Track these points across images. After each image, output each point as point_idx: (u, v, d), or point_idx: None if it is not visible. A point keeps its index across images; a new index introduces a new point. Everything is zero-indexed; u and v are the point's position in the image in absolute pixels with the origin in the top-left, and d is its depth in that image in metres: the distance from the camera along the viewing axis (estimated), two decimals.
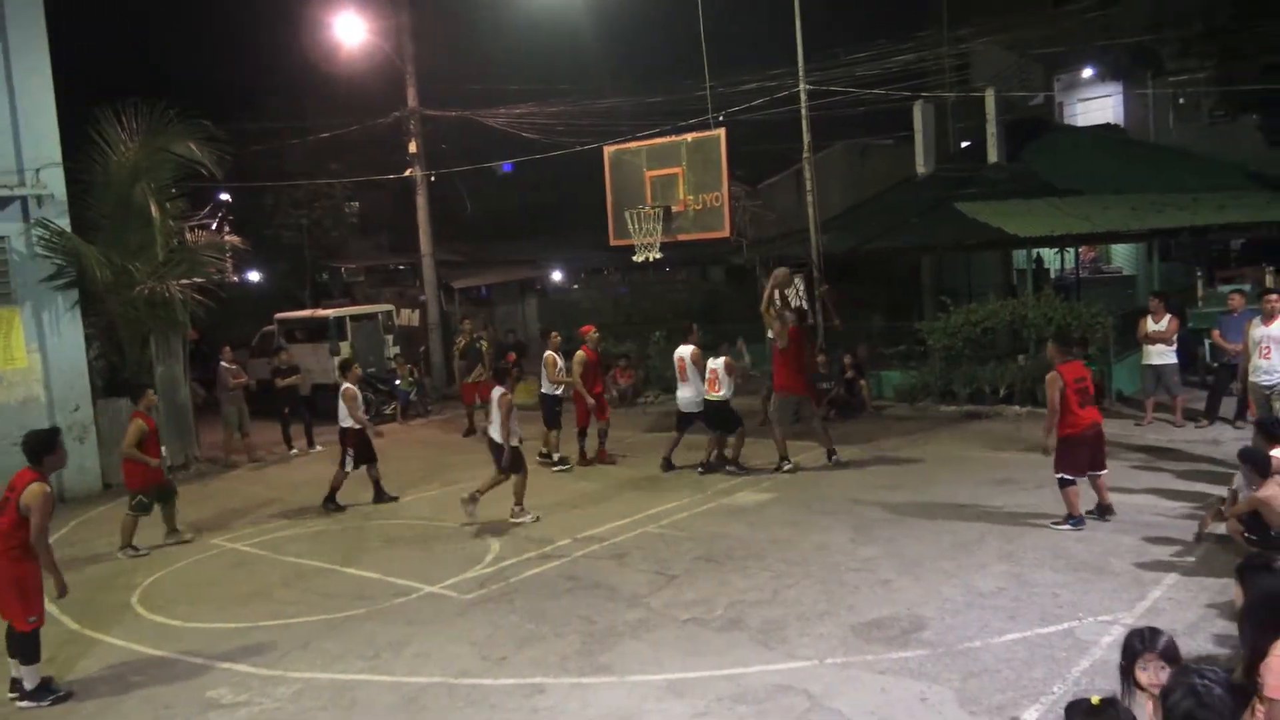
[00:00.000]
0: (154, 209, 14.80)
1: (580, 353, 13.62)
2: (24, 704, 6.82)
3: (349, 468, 12.07)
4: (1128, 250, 22.73)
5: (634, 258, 15.37)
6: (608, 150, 15.76)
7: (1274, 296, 11.54)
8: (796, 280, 18.75)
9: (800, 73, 17.71)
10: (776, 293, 12.44)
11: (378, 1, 22.45)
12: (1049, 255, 22.33)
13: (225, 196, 25.63)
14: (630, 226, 15.05)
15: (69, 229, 14.18)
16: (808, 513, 10.38)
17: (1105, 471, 9.33)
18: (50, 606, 7.15)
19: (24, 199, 13.79)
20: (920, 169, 22.24)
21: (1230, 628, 6.40)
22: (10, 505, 6.77)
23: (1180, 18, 23.00)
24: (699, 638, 7.15)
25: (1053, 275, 22.43)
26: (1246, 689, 3.93)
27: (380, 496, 12.35)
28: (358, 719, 6.30)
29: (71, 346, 14.31)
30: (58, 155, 14.10)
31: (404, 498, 12.48)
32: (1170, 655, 3.94)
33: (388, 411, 19.27)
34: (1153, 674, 3.92)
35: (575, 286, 32.79)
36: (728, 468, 12.50)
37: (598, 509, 11.19)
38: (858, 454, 13.19)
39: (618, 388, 18.50)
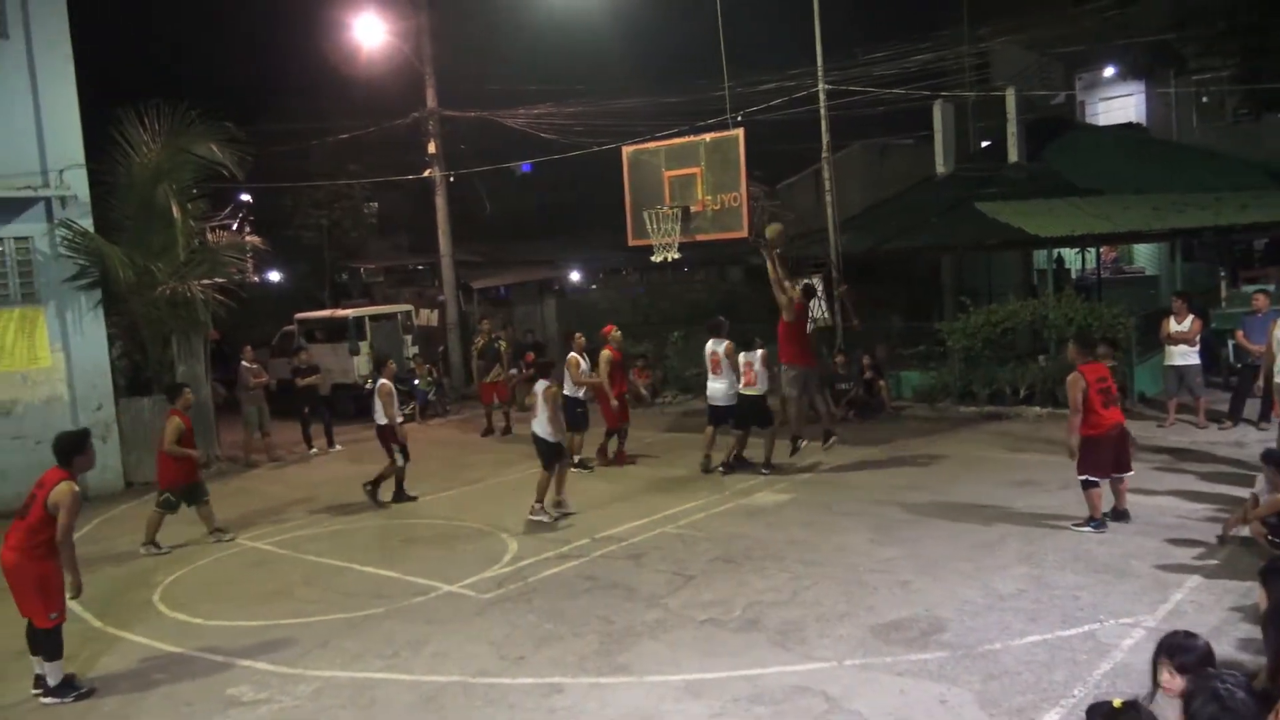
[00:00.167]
0: (176, 210, 14.92)
1: (606, 352, 13.62)
2: (47, 700, 6.88)
3: (400, 461, 12.19)
4: (1150, 250, 22.55)
5: (652, 258, 15.35)
6: (626, 150, 15.76)
7: None
8: (816, 280, 18.73)
9: (819, 72, 17.67)
10: (776, 258, 12.38)
11: (397, 3, 22.55)
12: (1070, 255, 22.17)
13: (246, 197, 25.83)
14: (649, 227, 15.04)
15: (92, 230, 14.31)
16: (826, 513, 10.35)
17: (1131, 474, 9.26)
18: (72, 604, 7.21)
19: (48, 200, 13.92)
20: (940, 168, 22.15)
21: (1254, 632, 6.34)
22: (37, 503, 6.84)
23: (1203, 15, 22.80)
24: (717, 638, 7.14)
25: (1074, 275, 22.26)
26: (1270, 694, 3.89)
27: (400, 496, 12.40)
28: (377, 717, 6.33)
29: (94, 346, 14.44)
30: (81, 157, 14.23)
31: (423, 497, 12.52)
32: (1203, 660, 3.87)
33: (406, 411, 19.29)
34: (1166, 677, 3.89)
35: (593, 287, 32.81)
36: (762, 470, 12.42)
37: (616, 509, 11.18)
38: (877, 455, 13.15)
39: (645, 386, 18.46)
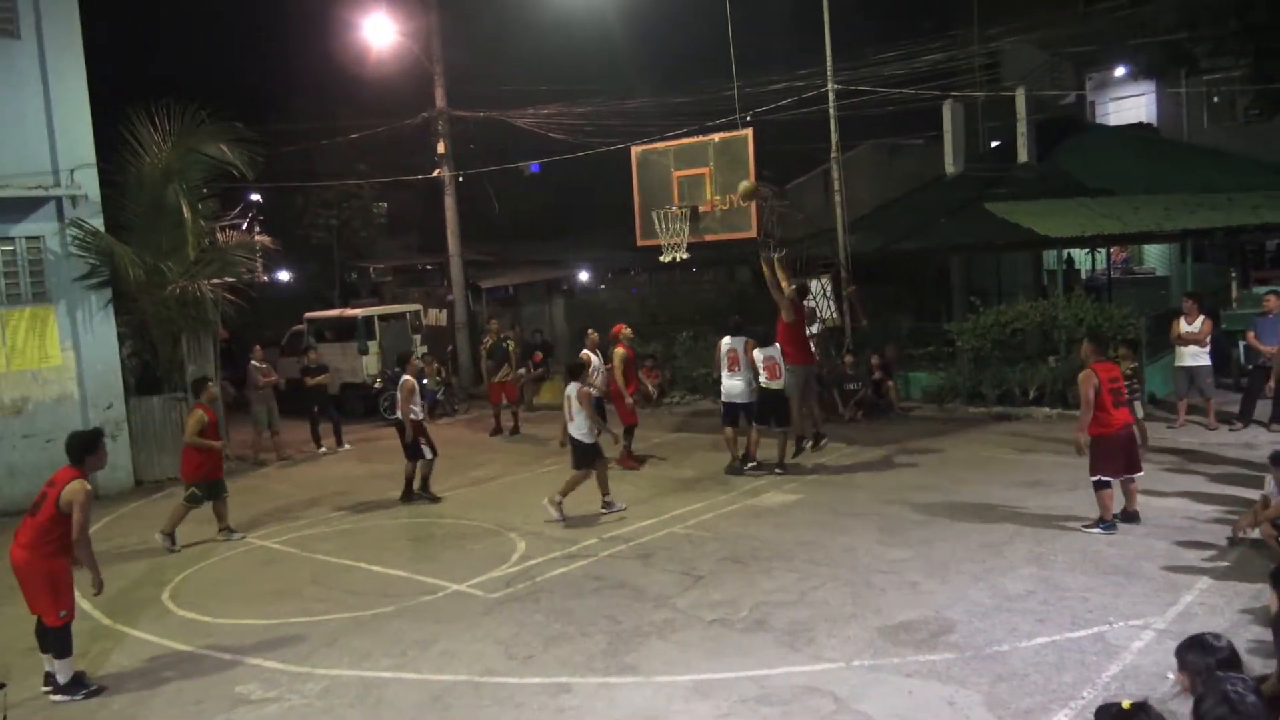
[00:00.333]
0: (186, 209, 14.99)
1: (620, 350, 13.60)
2: (57, 698, 6.91)
3: (429, 455, 12.21)
4: (1160, 251, 22.47)
5: (661, 258, 15.33)
6: (635, 150, 15.74)
7: None
8: (825, 281, 18.72)
9: (828, 72, 17.65)
10: (775, 261, 12.58)
11: (407, 3, 22.61)
12: (1080, 256, 22.12)
13: (256, 197, 25.89)
14: (657, 227, 15.02)
15: (103, 229, 14.38)
16: (834, 514, 10.33)
17: (1141, 474, 9.23)
18: (82, 602, 7.25)
19: (59, 199, 13.98)
20: (949, 169, 22.17)
21: (1264, 634, 6.32)
22: (48, 501, 6.87)
23: (1215, 15, 22.69)
24: (724, 639, 7.13)
25: (1084, 276, 22.20)
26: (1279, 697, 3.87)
27: (409, 496, 12.42)
28: (385, 716, 6.34)
29: (105, 345, 14.51)
30: (92, 156, 14.29)
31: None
32: (1224, 663, 3.84)
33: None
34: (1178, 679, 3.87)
35: (602, 287, 32.83)
36: (775, 470, 12.37)
37: (621, 509, 11.17)
38: (885, 455, 13.12)
39: (653, 386, 18.43)
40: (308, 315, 22.16)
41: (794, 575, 8.39)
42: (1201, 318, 13.18)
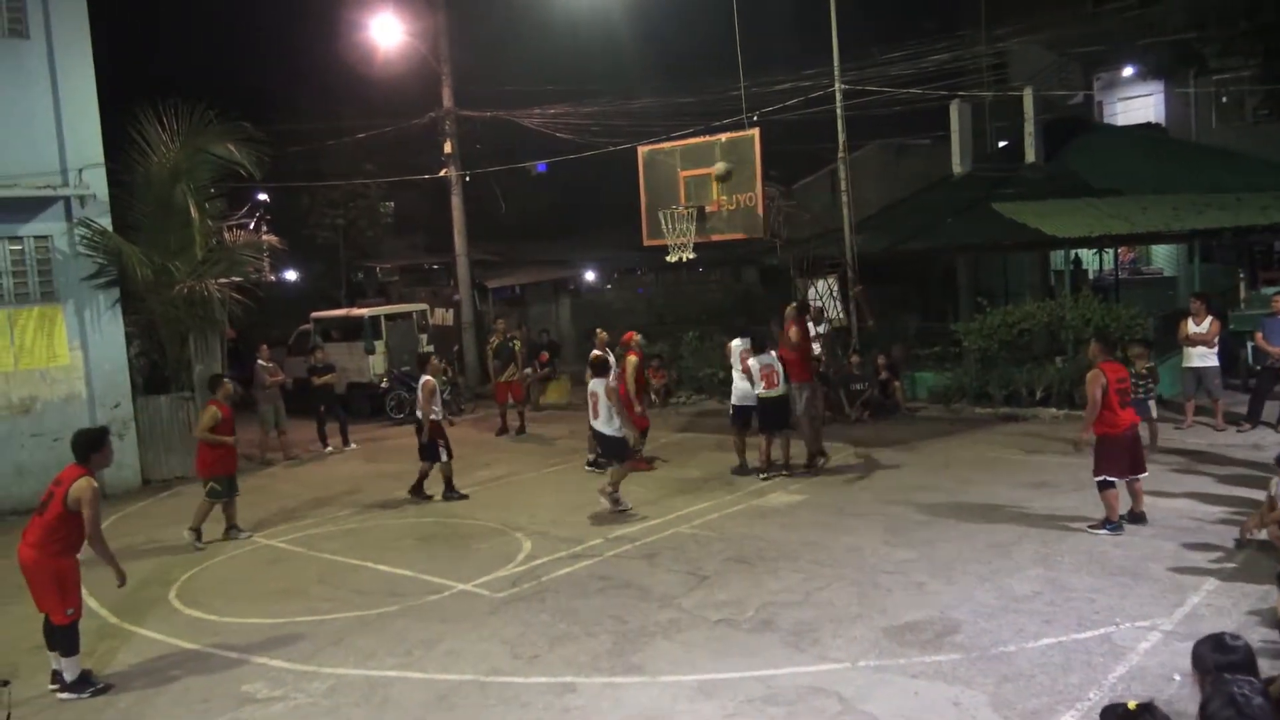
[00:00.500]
0: (193, 209, 15.02)
1: (632, 358, 13.43)
2: (64, 695, 6.93)
3: (445, 457, 12.23)
4: (1168, 251, 22.42)
5: (667, 258, 15.34)
6: (642, 150, 15.76)
7: None
8: (831, 281, 18.70)
9: (835, 72, 17.63)
10: (798, 320, 12.64)
11: (415, 3, 22.63)
12: (1087, 256, 22.06)
13: (263, 196, 25.95)
14: (664, 227, 15.04)
15: (110, 229, 14.41)
16: (840, 514, 10.32)
17: (1145, 475, 9.21)
18: (89, 600, 7.27)
19: (67, 199, 14.02)
20: (957, 169, 22.16)
21: (1272, 635, 6.31)
22: (56, 500, 6.90)
23: (1223, 15, 22.64)
24: (730, 639, 7.13)
25: (1091, 276, 22.16)
26: None
27: (418, 492, 12.43)
28: (390, 715, 6.35)
29: (112, 344, 14.54)
30: (100, 156, 14.32)
31: (437, 496, 12.53)
32: (1237, 665, 3.81)
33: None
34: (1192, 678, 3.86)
35: (608, 287, 32.85)
36: (783, 471, 12.35)
37: (629, 510, 11.17)
38: (891, 456, 13.10)
39: (659, 386, 18.42)
40: (314, 315, 22.19)
41: (799, 575, 8.38)
42: (1209, 318, 13.13)
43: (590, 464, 13.52)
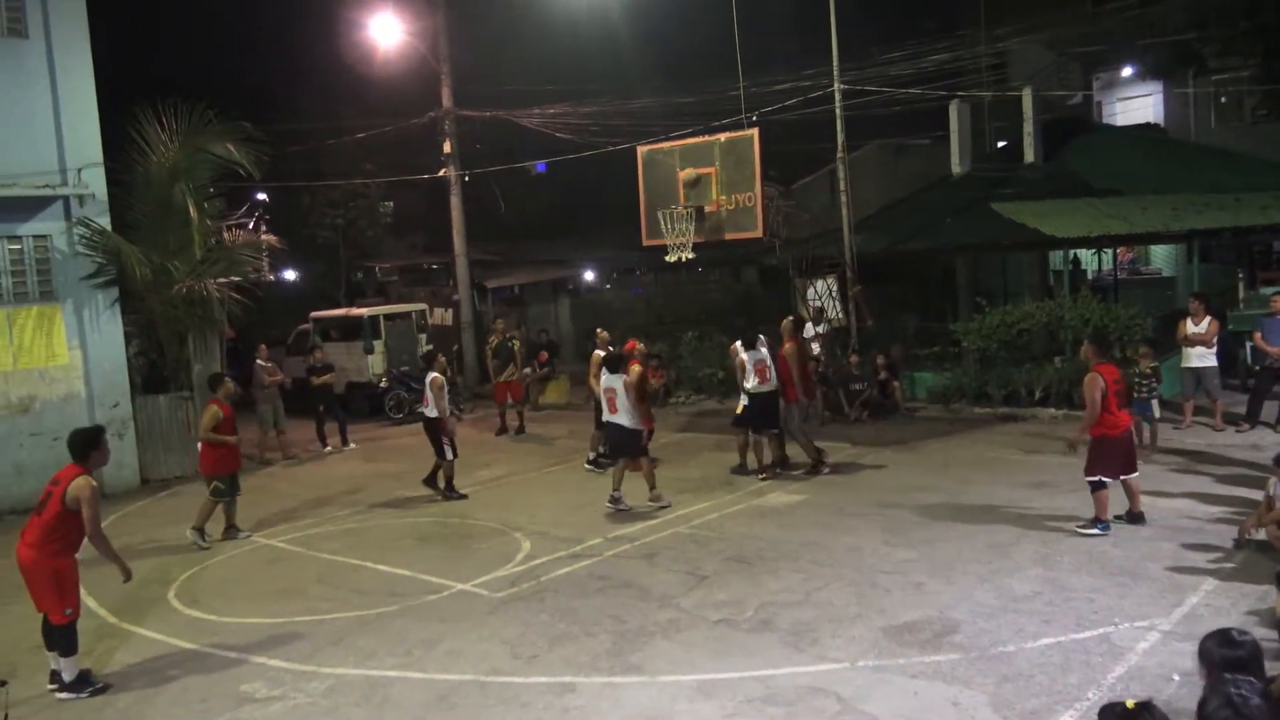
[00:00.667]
0: (192, 209, 15.01)
1: (636, 366, 13.36)
2: (63, 695, 6.93)
3: (449, 455, 12.21)
4: (1167, 251, 22.43)
5: (666, 258, 15.35)
6: (641, 150, 15.77)
7: None
8: (830, 281, 18.71)
9: (835, 72, 17.63)
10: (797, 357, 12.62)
11: (414, 2, 22.62)
12: (1086, 256, 22.08)
13: (262, 196, 25.93)
14: (663, 226, 15.05)
15: (109, 228, 14.40)
16: (839, 514, 10.32)
17: (1137, 474, 9.22)
18: (88, 600, 7.26)
19: (66, 198, 14.01)
20: (956, 169, 22.16)
21: (1271, 635, 6.30)
22: (54, 499, 6.89)
23: (1223, 15, 22.64)
24: (729, 638, 7.13)
25: (1090, 276, 22.18)
26: None
27: (432, 482, 12.45)
28: (390, 715, 6.34)
29: (111, 344, 14.54)
30: (99, 155, 14.32)
31: (437, 496, 12.52)
32: (1242, 663, 3.80)
33: (419, 410, 19.38)
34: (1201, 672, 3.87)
35: (607, 287, 32.86)
36: (775, 470, 12.34)
37: (627, 509, 11.17)
38: (890, 456, 13.11)
39: (658, 386, 18.39)
40: (313, 314, 22.19)
41: (799, 575, 8.39)
42: (1208, 318, 13.14)
43: (590, 463, 13.52)
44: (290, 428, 16.49)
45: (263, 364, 16.22)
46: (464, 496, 12.29)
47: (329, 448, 16.77)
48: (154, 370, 15.48)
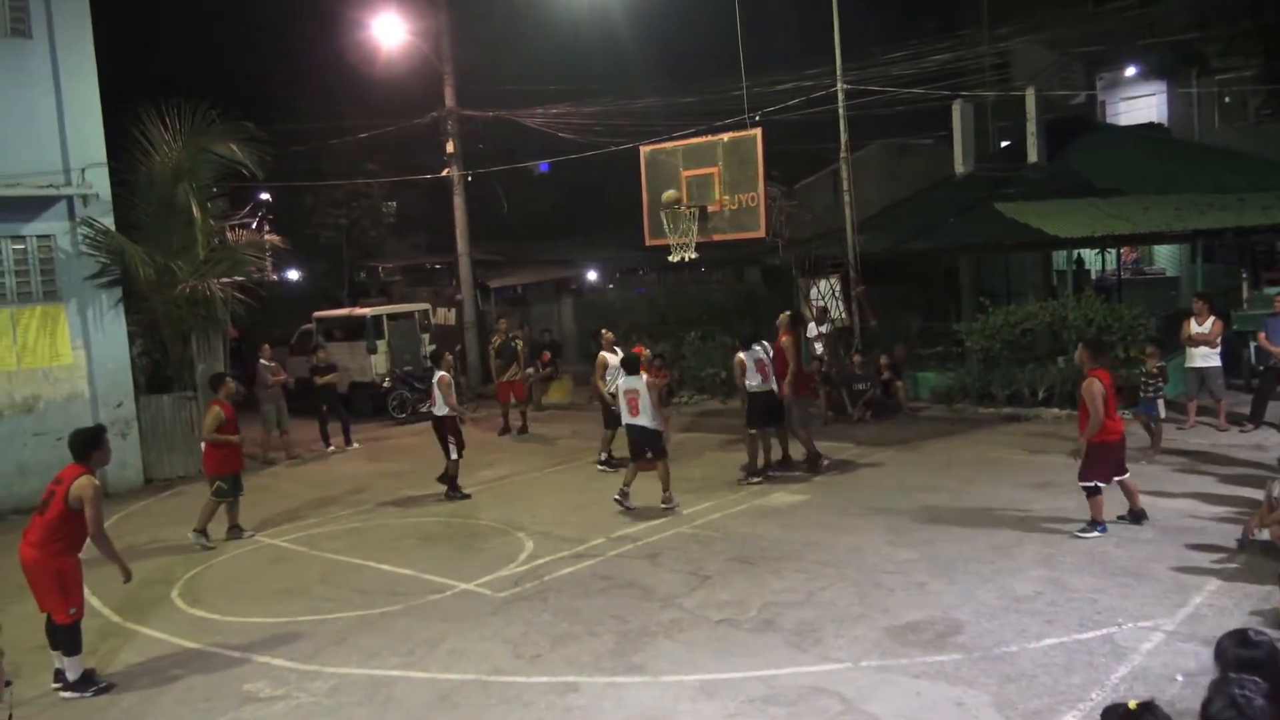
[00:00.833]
0: (195, 209, 15.04)
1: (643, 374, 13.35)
2: (67, 695, 6.94)
3: (454, 455, 12.20)
4: (1170, 251, 22.39)
5: (669, 258, 15.34)
6: (644, 150, 15.76)
7: None
8: (833, 281, 18.69)
9: (838, 72, 17.62)
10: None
11: (417, 2, 22.63)
12: (1090, 256, 22.04)
13: (265, 196, 25.95)
14: (666, 226, 15.04)
15: (113, 228, 14.43)
16: (842, 515, 10.32)
17: (1128, 475, 9.21)
18: (92, 599, 7.27)
19: (70, 198, 14.04)
20: (959, 168, 22.15)
21: (1275, 635, 6.29)
22: (56, 499, 6.90)
23: (1226, 15, 22.60)
24: (732, 639, 7.13)
25: (1093, 276, 22.14)
26: None
27: (453, 492, 12.44)
28: (393, 715, 6.35)
29: (115, 343, 14.56)
30: (102, 155, 14.34)
31: (438, 496, 12.53)
32: (1258, 663, 3.79)
33: (423, 409, 19.40)
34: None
35: (610, 286, 32.85)
36: (774, 469, 12.35)
37: (632, 508, 11.17)
38: (893, 456, 13.10)
39: (662, 384, 18.38)
40: (317, 314, 22.21)
41: (801, 575, 8.38)
42: (1212, 318, 13.12)
43: (602, 464, 13.43)
44: (293, 427, 16.50)
45: (266, 364, 16.24)
46: (467, 496, 12.30)
47: (332, 447, 16.78)
48: (157, 370, 15.51)
